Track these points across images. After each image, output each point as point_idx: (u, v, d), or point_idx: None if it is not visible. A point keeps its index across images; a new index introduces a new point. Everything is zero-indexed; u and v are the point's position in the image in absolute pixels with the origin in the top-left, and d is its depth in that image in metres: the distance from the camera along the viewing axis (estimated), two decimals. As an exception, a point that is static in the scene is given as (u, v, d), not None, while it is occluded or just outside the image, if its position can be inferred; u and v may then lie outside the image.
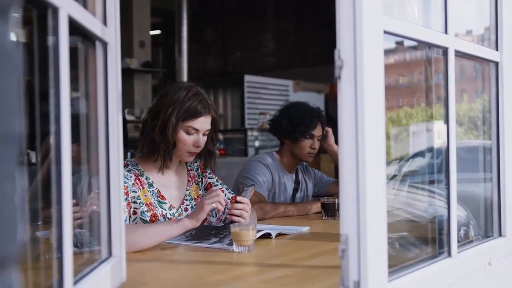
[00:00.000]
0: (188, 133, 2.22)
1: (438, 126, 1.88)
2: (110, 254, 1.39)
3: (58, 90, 1.02)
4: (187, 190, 2.38)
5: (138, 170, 2.24)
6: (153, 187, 2.25)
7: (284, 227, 2.32)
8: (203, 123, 2.24)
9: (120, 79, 1.42)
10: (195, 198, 2.39)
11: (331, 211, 2.67)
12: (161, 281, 1.60)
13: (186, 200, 2.36)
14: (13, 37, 0.58)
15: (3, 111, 0.55)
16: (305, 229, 2.37)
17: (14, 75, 0.56)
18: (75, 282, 1.11)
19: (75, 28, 1.13)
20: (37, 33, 1.06)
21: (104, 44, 1.36)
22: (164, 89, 2.33)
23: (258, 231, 2.05)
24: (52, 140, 1.03)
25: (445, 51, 1.54)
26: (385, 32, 1.26)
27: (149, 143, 2.23)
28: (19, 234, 0.57)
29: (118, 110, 1.40)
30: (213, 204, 2.00)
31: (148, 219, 2.19)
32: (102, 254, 1.37)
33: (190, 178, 2.41)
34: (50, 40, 1.03)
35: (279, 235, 2.20)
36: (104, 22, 1.36)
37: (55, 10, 1.01)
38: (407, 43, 1.56)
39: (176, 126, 2.19)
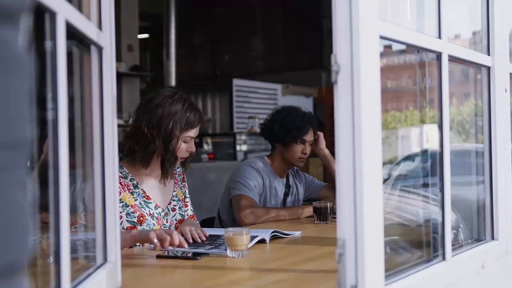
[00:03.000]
0: (185, 142, 2.32)
1: (427, 129, 1.89)
2: (105, 259, 1.38)
3: (56, 94, 1.02)
4: (174, 191, 2.46)
5: (121, 173, 2.27)
6: (139, 188, 2.31)
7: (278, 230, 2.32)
8: (197, 130, 2.37)
9: (115, 84, 1.41)
10: (181, 200, 2.48)
11: (323, 215, 2.68)
12: (155, 286, 1.59)
13: (174, 200, 2.44)
14: (23, 43, 0.58)
15: (14, 118, 0.54)
16: (297, 233, 2.37)
17: (25, 81, 0.56)
18: (72, 288, 1.10)
19: (71, 33, 1.12)
20: (33, 38, 1.06)
21: (100, 49, 1.35)
22: (152, 98, 2.33)
23: (252, 237, 2.05)
24: (49, 145, 1.02)
25: (438, 55, 1.54)
26: (381, 37, 1.26)
27: (150, 154, 2.29)
28: (30, 241, 0.57)
29: (113, 115, 1.40)
30: (155, 240, 1.90)
31: (135, 219, 2.25)
32: (97, 260, 1.36)
33: (176, 180, 2.49)
34: (47, 44, 1.03)
35: (273, 238, 2.20)
36: (100, 26, 1.36)
37: (53, 15, 1.00)
38: (395, 47, 1.56)
39: (180, 138, 2.29)
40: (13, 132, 0.54)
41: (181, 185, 2.52)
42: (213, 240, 2.16)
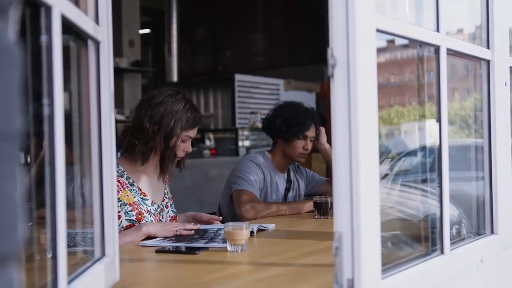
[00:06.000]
0: (183, 141, 2.35)
1: (430, 125, 1.89)
2: (103, 253, 1.38)
3: (52, 89, 1.02)
4: (166, 189, 2.50)
5: (117, 172, 2.28)
6: (134, 186, 2.34)
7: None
8: (196, 131, 2.40)
9: (113, 79, 1.41)
10: (171, 198, 2.53)
11: (323, 210, 2.68)
12: (154, 280, 1.60)
13: (166, 197, 2.49)
14: (12, 35, 0.58)
15: (4, 109, 0.55)
16: (271, 226, 2.41)
17: (14, 73, 0.56)
18: (69, 282, 1.11)
19: (67, 27, 1.12)
20: (29, 32, 1.06)
21: (97, 43, 1.35)
22: (154, 95, 2.35)
23: None
24: (45, 141, 1.02)
25: (437, 49, 1.54)
26: (378, 30, 1.26)
27: (150, 150, 2.31)
28: (20, 232, 0.57)
29: (110, 110, 1.40)
30: (177, 232, 2.16)
31: (134, 217, 2.27)
32: (95, 254, 1.37)
33: (166, 179, 2.53)
34: (43, 39, 1.03)
35: (259, 231, 2.25)
36: (97, 20, 1.36)
37: (48, 9, 1.00)
38: (398, 41, 1.56)
39: (180, 136, 2.32)
40: (2, 123, 0.55)
41: (168, 184, 2.57)
42: (202, 234, 2.17)
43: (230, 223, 1.97)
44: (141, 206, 2.30)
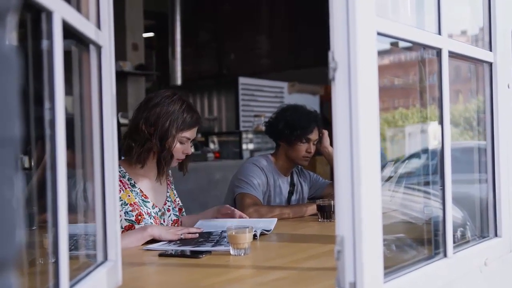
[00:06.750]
0: (181, 142, 2.35)
1: (434, 127, 1.89)
2: (105, 258, 1.38)
3: (53, 94, 1.02)
4: (168, 192, 2.50)
5: (119, 172, 2.29)
6: (136, 187, 2.34)
7: (257, 220, 2.40)
8: (195, 132, 2.39)
9: (115, 83, 1.42)
10: (173, 201, 2.52)
11: (326, 213, 2.68)
12: (157, 285, 1.60)
13: (168, 201, 2.48)
14: (10, 41, 0.58)
15: (2, 115, 0.55)
16: (273, 221, 2.43)
17: (12, 79, 0.56)
18: (71, 286, 1.11)
19: (69, 32, 1.13)
20: (30, 37, 1.06)
21: (98, 48, 1.36)
22: (152, 98, 2.37)
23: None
24: (47, 144, 1.03)
25: (438, 52, 1.54)
26: (379, 33, 1.26)
27: (146, 151, 2.31)
28: (18, 238, 0.57)
29: (112, 114, 1.40)
30: (182, 236, 2.16)
31: (133, 218, 2.28)
32: (97, 258, 1.37)
33: (169, 182, 2.53)
34: (44, 43, 1.03)
35: (262, 234, 2.25)
36: (98, 25, 1.36)
37: (49, 14, 1.01)
38: (402, 44, 1.56)
39: (175, 137, 2.31)
40: (0, 129, 0.55)
41: (172, 187, 2.56)
42: (207, 237, 2.17)
43: (233, 227, 1.96)
44: (141, 207, 2.30)
